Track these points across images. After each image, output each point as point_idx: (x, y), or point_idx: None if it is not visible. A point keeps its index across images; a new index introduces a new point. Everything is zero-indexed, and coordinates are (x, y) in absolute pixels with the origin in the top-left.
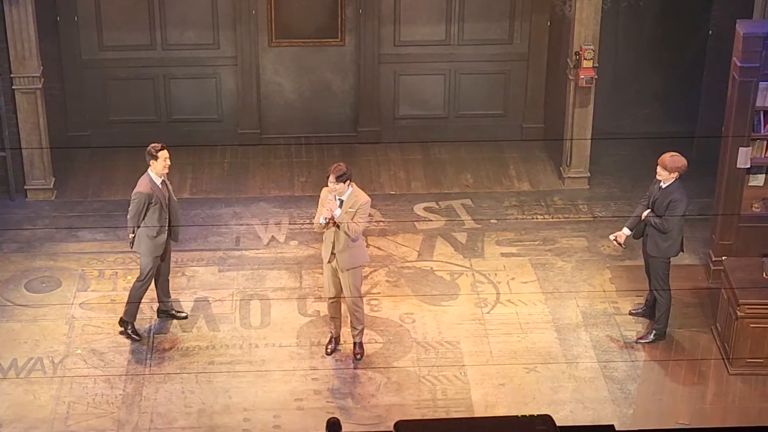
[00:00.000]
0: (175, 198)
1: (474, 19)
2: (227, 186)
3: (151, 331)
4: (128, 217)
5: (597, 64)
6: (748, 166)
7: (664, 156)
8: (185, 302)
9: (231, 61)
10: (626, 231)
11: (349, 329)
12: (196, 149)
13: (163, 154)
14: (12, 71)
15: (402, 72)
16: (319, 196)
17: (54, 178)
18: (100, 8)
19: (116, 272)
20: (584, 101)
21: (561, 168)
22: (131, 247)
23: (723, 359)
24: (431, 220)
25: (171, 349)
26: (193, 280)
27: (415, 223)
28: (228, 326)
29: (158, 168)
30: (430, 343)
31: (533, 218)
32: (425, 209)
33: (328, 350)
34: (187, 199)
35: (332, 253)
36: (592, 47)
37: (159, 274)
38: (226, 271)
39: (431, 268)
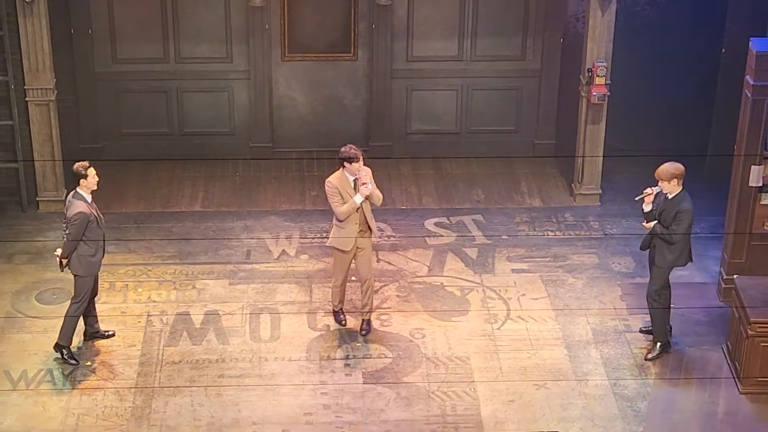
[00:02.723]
0: (101, 214)
1: (487, 35)
2: (239, 199)
3: (161, 344)
4: (68, 240)
5: (609, 81)
6: (760, 184)
7: (658, 169)
8: (195, 315)
9: (244, 75)
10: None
11: (356, 309)
12: (208, 162)
13: (92, 171)
14: (26, 83)
15: (414, 87)
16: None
17: (66, 190)
18: (113, 21)
19: (127, 284)
20: (596, 118)
21: (572, 184)
22: (62, 270)
23: (733, 378)
24: (442, 236)
25: (180, 362)
26: (204, 293)
27: (425, 238)
28: (238, 339)
29: (90, 185)
30: (440, 359)
31: (544, 234)
32: (436, 224)
33: (343, 322)
34: (199, 212)
35: (358, 233)
36: (604, 64)
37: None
38: (236, 284)
39: (442, 283)
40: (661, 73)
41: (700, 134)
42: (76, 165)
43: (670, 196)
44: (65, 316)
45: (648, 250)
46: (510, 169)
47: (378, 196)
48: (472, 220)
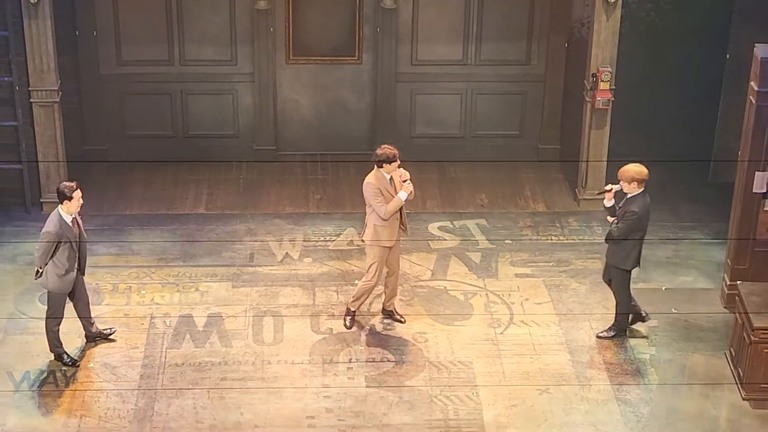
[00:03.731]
0: (85, 235)
1: (491, 39)
2: (242, 202)
3: (163, 346)
4: (36, 255)
5: (614, 87)
6: (764, 190)
7: (622, 168)
8: (198, 317)
9: (248, 78)
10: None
11: (383, 307)
12: (212, 165)
13: (77, 194)
14: (30, 84)
15: (419, 91)
16: (335, 212)
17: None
18: (118, 23)
19: (130, 286)
20: (601, 123)
21: (576, 189)
22: (35, 279)
23: (736, 384)
24: (446, 240)
25: (183, 364)
26: (207, 296)
27: (429, 242)
28: (241, 342)
29: (72, 208)
30: (443, 363)
31: (548, 239)
32: (440, 228)
33: (349, 324)
34: (202, 215)
35: (398, 230)
36: (609, 69)
37: (78, 308)
38: (239, 287)
39: (445, 287)
40: (665, 78)
41: (704, 140)
42: (63, 184)
43: (629, 196)
44: (45, 329)
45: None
46: (514, 173)
47: (413, 193)
48: (476, 224)
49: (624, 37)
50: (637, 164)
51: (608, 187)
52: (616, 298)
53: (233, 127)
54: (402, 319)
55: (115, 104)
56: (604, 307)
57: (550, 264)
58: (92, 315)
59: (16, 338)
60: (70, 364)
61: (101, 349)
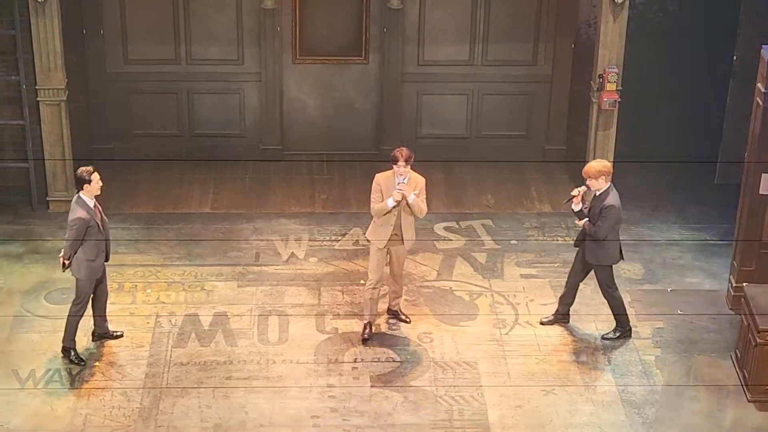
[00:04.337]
0: (106, 218)
1: (498, 40)
2: (248, 201)
3: (169, 345)
4: (66, 244)
5: (620, 87)
6: None
7: (585, 167)
8: (204, 316)
9: (255, 77)
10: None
11: (388, 307)
12: (218, 164)
13: (96, 177)
14: (37, 83)
15: (425, 91)
16: (341, 212)
17: (76, 190)
18: (125, 22)
19: (136, 285)
20: (607, 124)
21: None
22: (63, 270)
23: (742, 386)
24: (451, 240)
25: (188, 363)
26: (212, 295)
27: (435, 242)
28: (246, 342)
29: (92, 191)
30: (448, 363)
31: (554, 240)
32: (445, 229)
33: (365, 336)
34: (208, 214)
35: (390, 236)
36: (615, 70)
37: (96, 297)
38: (245, 286)
39: (450, 287)
40: (672, 79)
41: (710, 141)
42: (80, 169)
43: (598, 193)
44: (67, 317)
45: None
46: (520, 174)
47: (420, 209)
48: (482, 224)
49: (631, 38)
50: (599, 159)
51: (575, 192)
52: (606, 298)
53: (240, 127)
54: (407, 320)
55: (121, 103)
56: (609, 308)
57: (556, 265)
58: (103, 316)
59: (21, 336)
60: (76, 362)
61: (107, 347)
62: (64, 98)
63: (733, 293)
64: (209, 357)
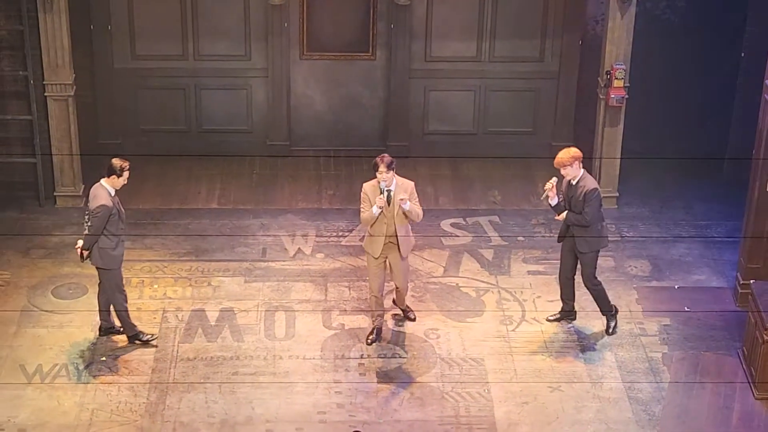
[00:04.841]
0: (123, 209)
1: (505, 36)
2: (255, 197)
3: (175, 340)
4: (89, 233)
5: (628, 84)
6: None
7: (557, 158)
8: (210, 312)
9: (262, 73)
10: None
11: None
12: (225, 160)
13: (126, 174)
14: (45, 78)
15: (432, 87)
16: (347, 208)
17: (83, 186)
18: (133, 18)
19: (143, 281)
20: (614, 121)
21: None
22: (82, 261)
23: (749, 383)
24: (458, 236)
25: (195, 358)
26: (219, 291)
27: (441, 238)
28: (252, 337)
29: (118, 184)
30: (455, 360)
31: None
32: (452, 225)
33: (369, 341)
34: (215, 210)
35: (385, 244)
36: (623, 67)
37: (102, 290)
38: (251, 282)
39: (457, 284)
40: (680, 76)
41: (718, 138)
42: (116, 161)
43: (574, 182)
44: (117, 313)
45: (563, 241)
46: (527, 170)
47: (417, 214)
48: (489, 221)
49: (638, 34)
50: (567, 149)
51: (549, 185)
52: (590, 288)
53: (247, 123)
54: (413, 316)
55: (129, 99)
56: (616, 305)
57: None
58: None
59: (29, 331)
60: (150, 340)
61: (113, 342)
62: (72, 93)
63: (740, 290)
64: (216, 352)
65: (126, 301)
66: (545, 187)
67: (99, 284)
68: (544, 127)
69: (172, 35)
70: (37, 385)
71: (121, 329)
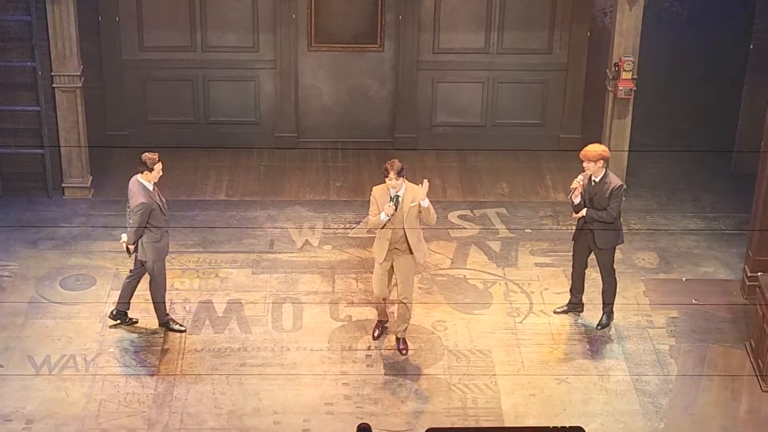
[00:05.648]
0: (164, 199)
1: (514, 28)
2: (263, 189)
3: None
4: (130, 230)
5: (636, 76)
6: None
7: (584, 151)
8: (218, 303)
9: (270, 65)
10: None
11: (395, 325)
12: (233, 151)
13: (158, 167)
14: (53, 70)
15: (440, 79)
16: (355, 200)
17: (91, 177)
18: (141, 9)
19: None
20: (622, 113)
21: None
22: (129, 256)
23: (756, 375)
24: (465, 228)
25: (203, 350)
26: (227, 282)
27: (449, 230)
28: (260, 329)
29: (152, 178)
30: (462, 352)
31: (568, 229)
32: (460, 217)
33: (375, 334)
34: (223, 201)
35: (391, 251)
36: (631, 59)
37: (130, 287)
38: (259, 273)
39: (464, 276)
40: (688, 68)
41: (726, 130)
42: (146, 156)
43: (597, 179)
44: (154, 303)
45: (579, 238)
46: (535, 162)
47: (433, 215)
48: (496, 213)
49: (647, 26)
50: (596, 144)
51: (575, 184)
52: (608, 281)
53: (254, 114)
54: (405, 353)
55: (137, 90)
56: (623, 297)
57: (571, 253)
58: (130, 300)
59: (37, 322)
60: (180, 326)
61: (121, 333)
62: (80, 85)
63: (747, 283)
64: (223, 344)
65: (163, 290)
66: (571, 186)
67: (149, 280)
68: (552, 119)
69: (180, 26)
70: (45, 376)
71: (131, 321)
